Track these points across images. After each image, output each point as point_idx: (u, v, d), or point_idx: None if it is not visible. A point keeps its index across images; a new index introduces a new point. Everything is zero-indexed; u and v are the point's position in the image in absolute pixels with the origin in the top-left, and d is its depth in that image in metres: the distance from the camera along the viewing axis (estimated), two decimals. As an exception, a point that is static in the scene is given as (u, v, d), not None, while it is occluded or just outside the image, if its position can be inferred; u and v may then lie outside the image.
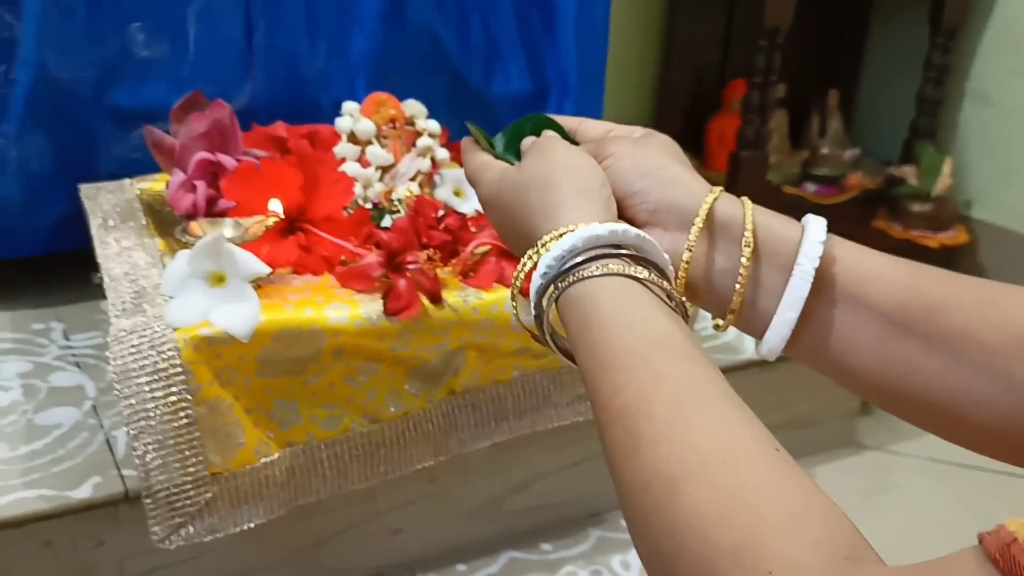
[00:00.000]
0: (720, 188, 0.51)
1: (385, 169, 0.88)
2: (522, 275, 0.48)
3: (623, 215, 0.51)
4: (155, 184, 0.94)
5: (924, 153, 1.97)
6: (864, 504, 1.09)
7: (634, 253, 0.46)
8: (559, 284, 0.45)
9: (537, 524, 0.94)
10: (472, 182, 0.58)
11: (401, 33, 1.06)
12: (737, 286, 0.48)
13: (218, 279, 0.69)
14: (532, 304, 0.48)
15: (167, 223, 0.86)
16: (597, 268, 0.45)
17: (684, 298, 0.47)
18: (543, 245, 0.47)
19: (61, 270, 0.99)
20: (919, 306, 0.44)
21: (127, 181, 0.95)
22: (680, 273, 0.49)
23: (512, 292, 0.50)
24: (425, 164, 0.89)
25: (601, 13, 1.17)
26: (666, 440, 0.38)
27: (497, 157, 0.60)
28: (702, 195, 0.49)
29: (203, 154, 0.84)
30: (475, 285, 0.77)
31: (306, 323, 0.70)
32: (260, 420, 0.72)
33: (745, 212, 0.49)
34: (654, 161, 0.52)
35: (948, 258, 1.99)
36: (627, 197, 0.52)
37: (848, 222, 1.98)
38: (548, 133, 0.58)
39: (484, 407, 0.82)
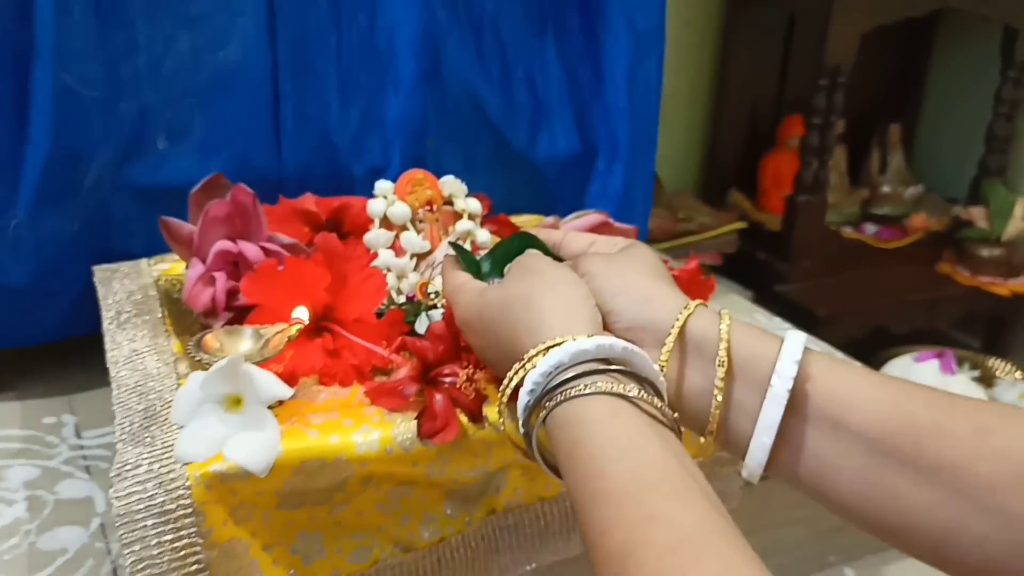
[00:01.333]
0: (697, 302, 0.51)
1: (420, 257, 0.81)
2: (508, 390, 0.49)
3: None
4: (175, 266, 0.89)
5: (994, 193, 1.87)
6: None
7: (623, 368, 0.46)
8: (547, 404, 0.45)
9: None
10: (450, 302, 0.60)
11: (440, 95, 1.00)
12: (712, 407, 0.47)
13: (234, 402, 0.63)
14: (520, 421, 0.47)
15: (184, 315, 0.80)
16: (585, 386, 0.44)
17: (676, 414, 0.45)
18: (529, 360, 0.47)
19: (78, 352, 0.93)
20: (906, 433, 0.43)
21: (144, 262, 0.89)
22: None
23: (499, 407, 0.51)
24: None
25: (654, 66, 1.09)
26: None
27: (482, 277, 0.61)
28: (677, 311, 0.49)
29: (223, 243, 0.78)
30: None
31: (331, 452, 0.63)
32: (280, 556, 0.65)
33: (721, 328, 0.48)
34: (628, 278, 0.53)
35: (1020, 307, 1.89)
36: (604, 315, 0.51)
37: (911, 265, 1.89)
38: (530, 251, 0.58)
39: (528, 526, 0.75)
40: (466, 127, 1.03)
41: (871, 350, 1.84)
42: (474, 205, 0.85)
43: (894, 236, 1.92)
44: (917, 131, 2.16)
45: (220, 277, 0.77)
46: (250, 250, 0.78)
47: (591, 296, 0.52)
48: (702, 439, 0.51)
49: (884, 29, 1.71)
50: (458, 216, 0.84)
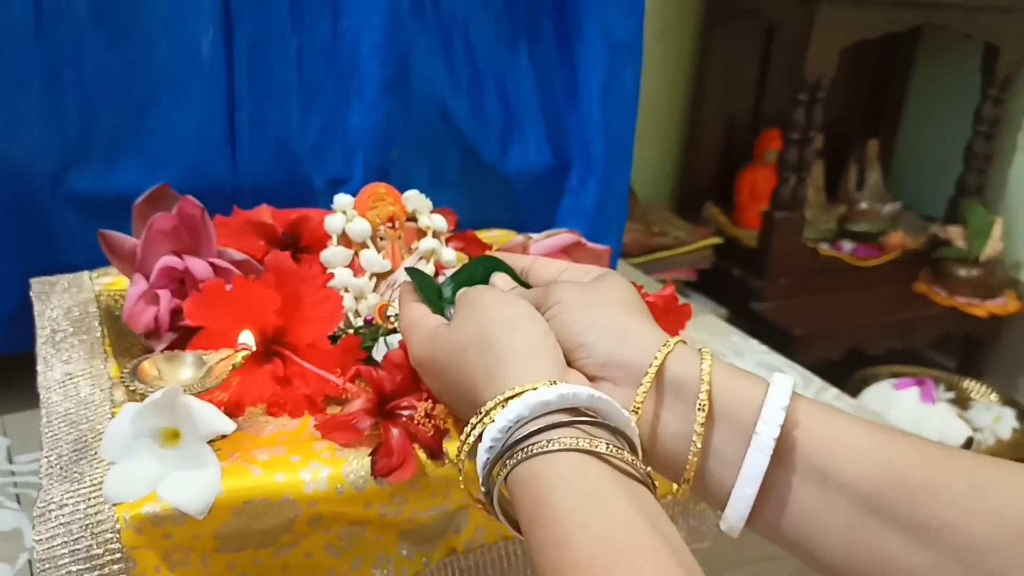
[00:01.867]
0: (677, 340, 0.48)
1: (381, 276, 0.77)
2: (465, 447, 0.46)
3: (571, 367, 0.49)
4: (119, 280, 0.84)
5: (973, 213, 1.86)
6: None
7: (590, 419, 0.43)
8: (507, 461, 0.42)
9: None
10: (404, 339, 0.57)
11: (406, 105, 0.95)
12: (690, 454, 0.44)
13: (171, 436, 0.58)
14: (480, 478, 0.44)
15: (126, 335, 0.75)
16: (548, 442, 0.41)
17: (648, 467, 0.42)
18: (487, 414, 0.44)
19: (15, 368, 0.88)
20: (899, 489, 0.41)
21: (87, 275, 0.84)
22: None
23: (458, 464, 0.47)
24: (429, 270, 0.78)
25: (631, 78, 1.06)
26: None
27: (442, 304, 0.57)
28: (654, 349, 0.46)
29: (168, 259, 0.73)
30: (482, 432, 0.66)
31: (276, 492, 0.59)
32: (219, 603, 0.60)
33: (703, 369, 0.45)
34: (603, 311, 0.49)
35: (996, 328, 1.87)
36: (574, 350, 0.48)
37: (888, 284, 1.88)
38: (478, 287, 0.54)
39: (489, 567, 0.70)
40: (433, 138, 0.99)
41: (846, 371, 1.82)
42: (439, 222, 0.81)
43: (871, 254, 1.90)
44: (895, 147, 2.15)
45: (164, 295, 0.72)
46: (197, 266, 0.73)
47: (551, 333, 0.49)
48: (676, 487, 0.47)
49: (863, 43, 1.70)
50: (422, 233, 0.80)
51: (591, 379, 0.49)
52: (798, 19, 1.56)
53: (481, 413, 0.44)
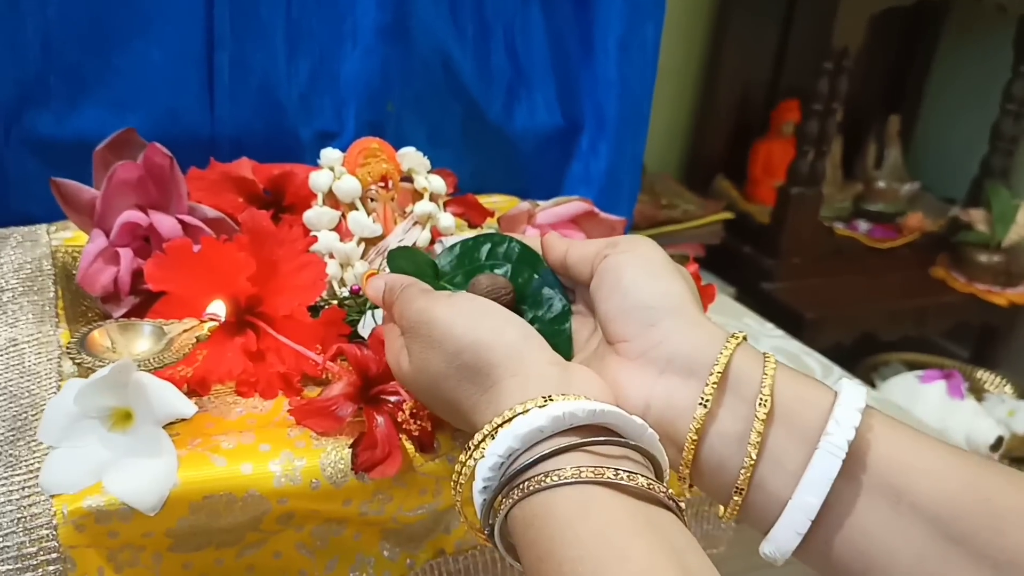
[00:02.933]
0: (743, 334, 0.44)
1: (370, 242, 0.70)
2: (459, 486, 0.41)
3: (612, 344, 0.45)
4: (80, 235, 0.76)
5: (996, 196, 1.79)
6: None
7: (598, 437, 0.37)
8: (504, 501, 0.37)
9: None
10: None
11: (404, 53, 0.88)
12: (747, 458, 0.39)
13: (121, 418, 0.52)
14: (479, 518, 0.40)
15: (83, 298, 0.68)
16: (547, 475, 0.36)
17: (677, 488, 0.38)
18: (476, 447, 0.39)
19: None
20: (982, 515, 0.36)
21: (44, 229, 0.77)
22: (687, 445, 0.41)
23: (455, 503, 0.43)
24: (424, 237, 0.71)
25: (651, 34, 0.98)
26: None
27: (441, 286, 0.51)
28: (717, 339, 0.42)
29: (131, 214, 0.66)
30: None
31: (241, 486, 0.52)
32: (173, 608, 0.53)
33: (766, 365, 0.41)
34: (677, 296, 0.45)
35: (1016, 317, 1.81)
36: (617, 331, 0.44)
37: (904, 268, 1.81)
38: (408, 296, 0.48)
39: (481, 571, 0.64)
40: (433, 91, 0.92)
41: (857, 357, 1.76)
42: (437, 183, 0.73)
43: (888, 236, 1.83)
44: (915, 125, 2.07)
45: (125, 254, 0.65)
46: (164, 223, 0.66)
47: (533, 333, 0.43)
48: (722, 509, 0.42)
49: (890, 12, 1.62)
50: (418, 196, 0.72)
51: (610, 366, 0.44)
52: (825, -19, 1.48)
53: (470, 448, 0.39)
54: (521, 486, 0.36)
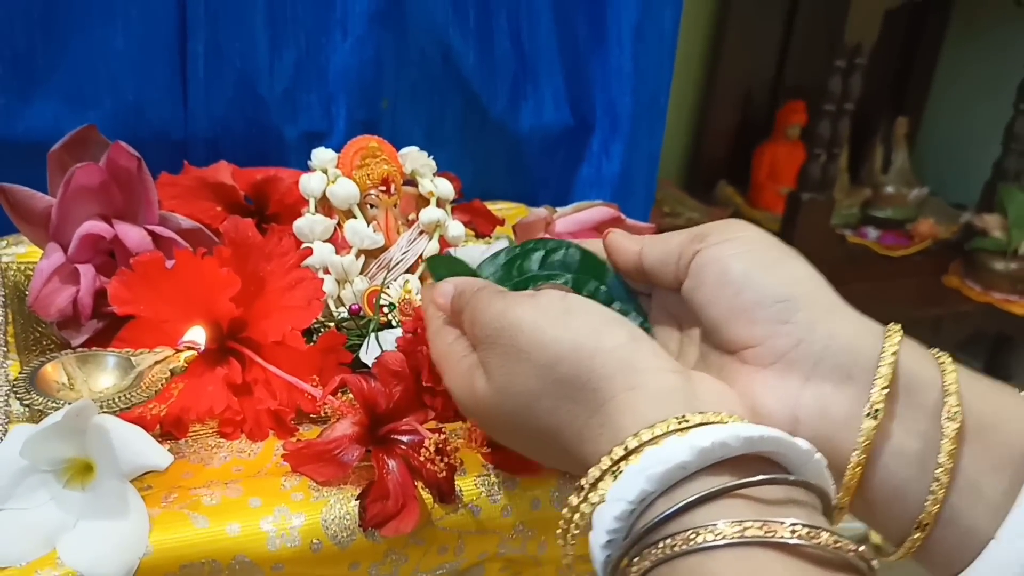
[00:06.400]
0: (898, 325, 0.38)
1: (370, 254, 0.62)
2: (571, 536, 0.34)
3: (734, 353, 0.39)
4: (33, 250, 0.68)
5: (1012, 200, 1.74)
6: None
7: (753, 470, 0.30)
8: (636, 562, 0.30)
9: None
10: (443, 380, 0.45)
11: (399, 43, 0.81)
12: (935, 483, 0.32)
13: (81, 471, 0.44)
14: (599, 573, 0.32)
15: (35, 323, 0.60)
16: (698, 532, 0.28)
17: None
18: (592, 488, 0.32)
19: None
20: None
21: (-7, 243, 0.69)
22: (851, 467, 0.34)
23: (564, 559, 0.35)
24: (431, 247, 0.63)
25: (669, 21, 0.92)
26: None
27: None
28: (871, 332, 0.36)
29: (93, 224, 0.58)
30: (505, 465, 0.51)
31: (227, 550, 0.44)
32: None
33: (944, 366, 0.35)
34: (797, 271, 0.39)
35: (1035, 326, 1.76)
36: (735, 321, 0.38)
37: (917, 276, 1.76)
38: (482, 299, 0.41)
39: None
40: (432, 85, 0.85)
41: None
42: (444, 187, 0.66)
43: (899, 242, 1.78)
44: (920, 126, 2.02)
45: (86, 272, 0.58)
46: (131, 235, 0.59)
47: (643, 336, 0.36)
48: (895, 548, 0.35)
49: (897, 8, 1.57)
50: (423, 201, 0.65)
51: (734, 374, 0.38)
52: (838, -26, 1.43)
53: (584, 487, 0.32)
54: (663, 543, 0.29)
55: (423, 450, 0.46)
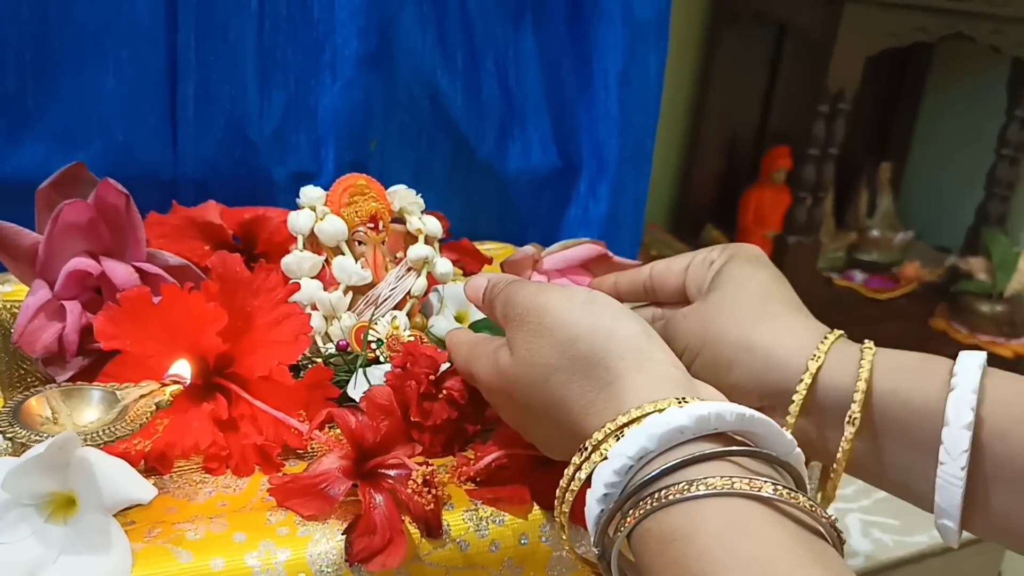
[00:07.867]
0: (839, 333, 0.47)
1: (358, 290, 0.62)
2: (568, 494, 0.37)
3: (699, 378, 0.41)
4: (21, 288, 0.68)
5: (995, 244, 1.75)
6: None
7: (745, 446, 0.34)
8: (631, 512, 0.33)
9: None
10: (471, 378, 0.49)
11: (388, 85, 0.81)
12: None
13: (63, 505, 0.43)
14: (592, 537, 0.35)
15: (20, 359, 0.60)
16: (691, 484, 0.31)
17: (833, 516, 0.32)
18: (595, 448, 0.35)
19: None
20: None
21: (-20, 281, 0.68)
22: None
23: (557, 516, 0.39)
24: (419, 284, 0.63)
25: (654, 66, 0.93)
26: None
27: None
28: (809, 344, 0.45)
29: (80, 261, 0.58)
30: (493, 500, 0.51)
31: (212, 586, 0.43)
32: None
33: (862, 366, 0.45)
34: (779, 300, 0.50)
35: (1022, 369, 1.77)
36: (732, 358, 0.46)
37: (904, 319, 1.76)
38: (516, 285, 0.46)
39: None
40: (420, 127, 0.85)
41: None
42: (432, 225, 0.66)
43: (885, 286, 1.79)
44: (904, 172, 2.04)
45: (72, 308, 0.58)
46: (119, 271, 0.58)
47: (654, 334, 0.40)
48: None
49: (882, 55, 1.59)
50: (412, 238, 0.65)
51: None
52: (820, 22, 1.45)
53: (587, 448, 0.35)
54: (656, 494, 0.31)
55: (410, 482, 0.46)
